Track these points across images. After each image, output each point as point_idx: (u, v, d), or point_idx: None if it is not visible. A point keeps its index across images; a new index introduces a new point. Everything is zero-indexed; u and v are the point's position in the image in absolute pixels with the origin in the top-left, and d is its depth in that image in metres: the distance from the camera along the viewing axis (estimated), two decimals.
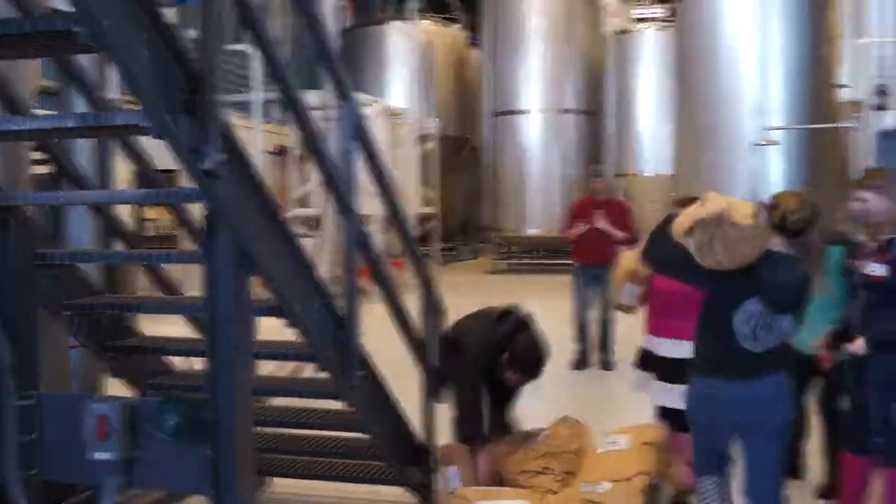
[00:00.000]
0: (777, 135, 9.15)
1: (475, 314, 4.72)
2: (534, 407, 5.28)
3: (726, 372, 3.38)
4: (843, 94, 10.48)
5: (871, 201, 3.81)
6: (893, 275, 3.64)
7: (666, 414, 4.45)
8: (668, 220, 3.50)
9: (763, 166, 9.48)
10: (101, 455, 3.03)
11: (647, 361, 4.63)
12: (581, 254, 8.15)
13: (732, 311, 3.34)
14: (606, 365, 8.23)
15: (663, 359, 4.43)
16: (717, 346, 3.41)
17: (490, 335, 4.48)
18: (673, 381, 4.24)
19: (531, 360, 4.43)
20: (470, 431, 4.37)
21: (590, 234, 7.91)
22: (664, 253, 3.54)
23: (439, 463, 4.22)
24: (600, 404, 7.08)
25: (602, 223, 7.85)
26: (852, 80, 10.33)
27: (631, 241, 7.46)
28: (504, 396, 4.67)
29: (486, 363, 4.44)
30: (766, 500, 3.48)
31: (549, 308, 10.15)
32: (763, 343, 3.33)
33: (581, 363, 8.28)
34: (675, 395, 4.09)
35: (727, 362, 3.38)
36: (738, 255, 3.29)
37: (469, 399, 4.38)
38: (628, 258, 4.78)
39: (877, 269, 3.70)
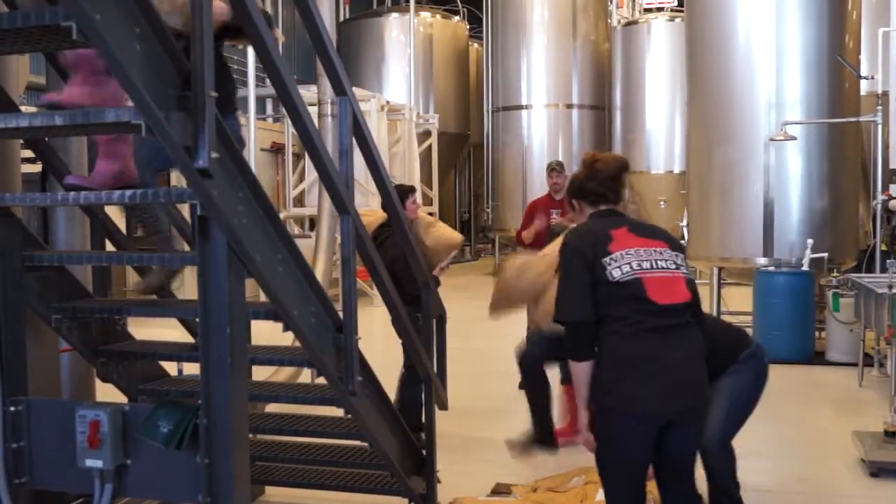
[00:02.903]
0: (794, 129, 9.00)
1: None
2: None
3: None
4: (865, 86, 10.32)
5: None
6: None
7: None
8: None
9: (780, 162, 9.34)
10: (92, 463, 2.98)
11: None
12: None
13: None
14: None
15: None
16: None
17: None
18: None
19: None
20: None
21: (546, 235, 7.15)
22: None
23: None
24: None
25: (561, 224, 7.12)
26: (874, 71, 10.17)
27: None
28: None
29: None
30: None
31: None
32: None
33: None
34: None
35: None
36: None
37: None
38: None
39: None
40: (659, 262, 3.11)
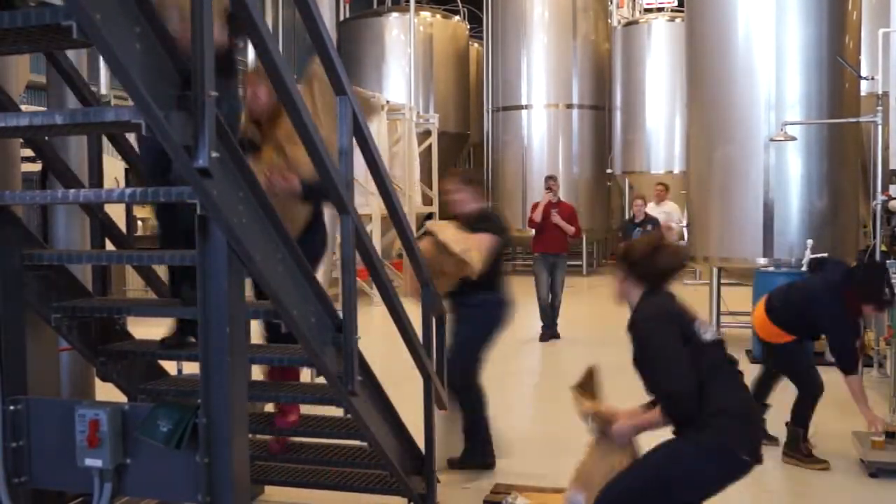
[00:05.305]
0: (794, 129, 9.00)
1: None
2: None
3: None
4: (865, 87, 10.32)
5: None
6: None
7: None
8: None
9: (780, 163, 9.34)
10: (91, 462, 2.97)
11: None
12: (539, 245, 10.15)
13: None
14: (555, 335, 10.21)
15: None
16: None
17: None
18: None
19: None
20: None
21: (546, 229, 9.94)
22: None
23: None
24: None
25: (557, 220, 9.91)
26: (874, 71, 10.18)
27: (577, 235, 10.24)
28: None
29: None
30: None
31: (559, 311, 10.15)
32: None
33: (546, 336, 10.18)
34: None
35: None
36: None
37: None
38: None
39: None
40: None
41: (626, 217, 10.44)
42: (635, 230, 9.83)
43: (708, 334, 3.36)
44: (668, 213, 11.66)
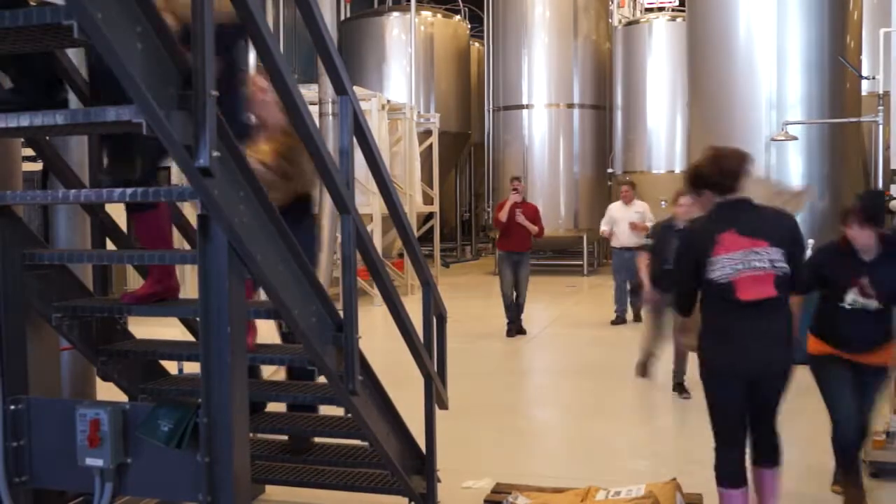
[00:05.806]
0: (795, 129, 9.00)
1: None
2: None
3: None
4: (866, 86, 10.33)
5: None
6: None
7: None
8: None
9: (781, 163, 9.35)
10: (92, 461, 2.98)
11: None
12: (504, 244, 10.40)
13: None
14: (521, 330, 10.34)
15: None
16: None
17: None
18: None
19: None
20: None
21: (511, 228, 10.15)
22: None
23: None
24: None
25: (522, 219, 10.13)
26: (875, 71, 10.19)
27: (540, 234, 10.35)
28: None
29: None
30: None
31: (560, 311, 10.16)
32: None
33: (512, 332, 10.32)
34: None
35: None
36: None
37: None
38: None
39: None
40: (754, 263, 3.72)
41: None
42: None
43: (716, 273, 3.72)
44: (641, 213, 11.00)
